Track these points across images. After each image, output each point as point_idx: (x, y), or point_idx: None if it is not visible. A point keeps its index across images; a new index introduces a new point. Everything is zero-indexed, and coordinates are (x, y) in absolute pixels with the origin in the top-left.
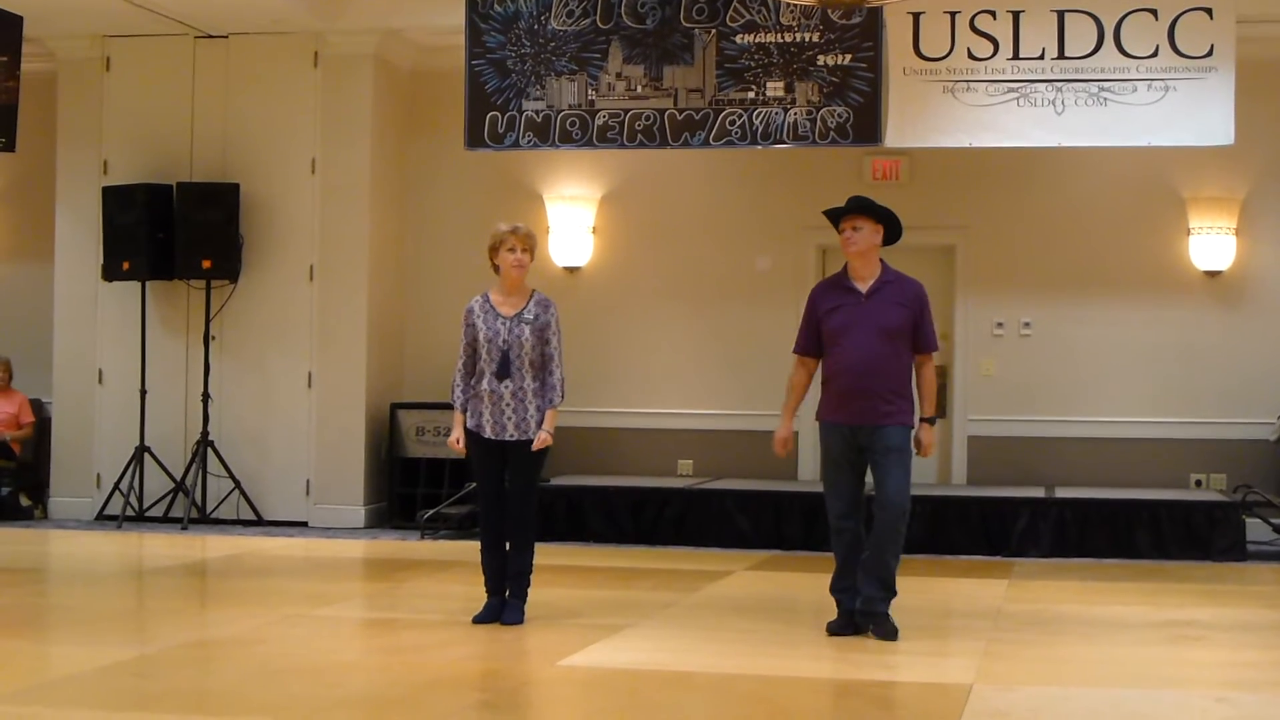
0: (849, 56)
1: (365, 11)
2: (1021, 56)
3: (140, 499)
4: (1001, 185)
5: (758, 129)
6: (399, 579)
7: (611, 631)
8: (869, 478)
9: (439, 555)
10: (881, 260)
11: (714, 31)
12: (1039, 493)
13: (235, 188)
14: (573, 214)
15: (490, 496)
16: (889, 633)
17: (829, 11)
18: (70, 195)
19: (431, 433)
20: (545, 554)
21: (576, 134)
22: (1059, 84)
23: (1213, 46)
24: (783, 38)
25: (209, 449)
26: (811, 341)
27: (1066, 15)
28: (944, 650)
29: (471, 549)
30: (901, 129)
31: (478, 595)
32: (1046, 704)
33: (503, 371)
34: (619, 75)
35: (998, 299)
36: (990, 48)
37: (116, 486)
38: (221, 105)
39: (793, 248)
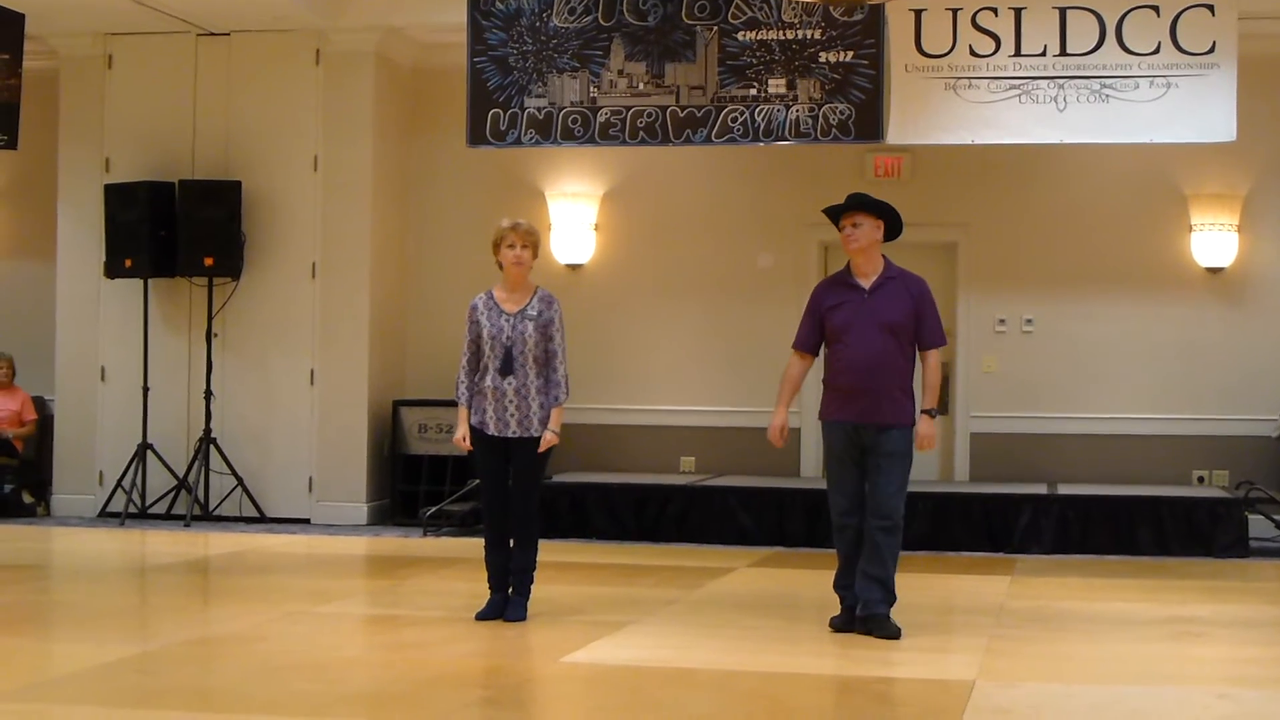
0: (851, 54)
1: (367, 9)
2: (1023, 53)
3: (143, 496)
4: (1003, 182)
5: (760, 126)
6: (401, 576)
7: (614, 628)
8: None
9: (441, 552)
10: (884, 256)
11: (716, 29)
12: (1041, 489)
13: (237, 185)
14: (575, 211)
15: (493, 493)
16: (891, 633)
17: (831, 9)
18: (72, 193)
19: (434, 430)
20: (548, 551)
21: (578, 131)
22: (1061, 81)
23: (1214, 43)
24: (785, 35)
25: (211, 446)
26: (811, 337)
27: (1068, 12)
28: (946, 647)
29: (474, 546)
30: (903, 126)
31: (480, 592)
32: (1049, 700)
33: (506, 368)
34: (621, 72)
35: (1000, 296)
36: (992, 45)
37: (119, 484)
38: (223, 103)
39: (794, 245)
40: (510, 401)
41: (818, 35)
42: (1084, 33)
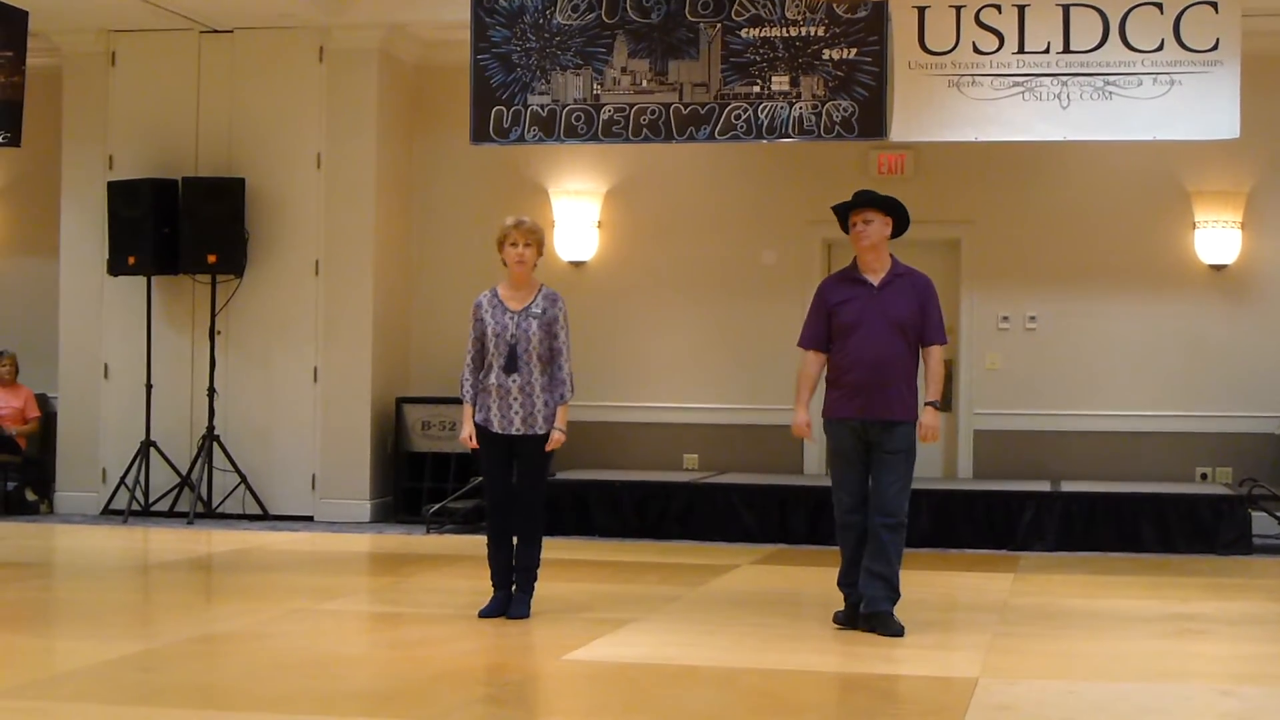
0: (854, 51)
1: (370, 6)
2: (1027, 50)
3: (146, 493)
4: (1007, 179)
5: (763, 123)
6: (405, 573)
7: (617, 626)
8: None
9: (445, 550)
10: (891, 254)
11: (719, 26)
12: (1044, 486)
13: (241, 182)
14: (578, 208)
15: (497, 490)
16: (894, 631)
17: (834, 6)
18: (75, 190)
19: (437, 427)
20: (551, 548)
21: (582, 128)
22: (1064, 78)
23: (1218, 40)
24: (788, 32)
25: (214, 443)
26: (821, 335)
27: (1072, 9)
28: (949, 644)
29: (477, 543)
30: (907, 123)
31: (484, 589)
32: (1052, 697)
33: (510, 366)
34: (624, 70)
35: (1003, 293)
36: (995, 42)
37: (122, 481)
38: (227, 100)
39: (798, 242)
40: (515, 399)
41: (821, 32)
42: (1087, 30)
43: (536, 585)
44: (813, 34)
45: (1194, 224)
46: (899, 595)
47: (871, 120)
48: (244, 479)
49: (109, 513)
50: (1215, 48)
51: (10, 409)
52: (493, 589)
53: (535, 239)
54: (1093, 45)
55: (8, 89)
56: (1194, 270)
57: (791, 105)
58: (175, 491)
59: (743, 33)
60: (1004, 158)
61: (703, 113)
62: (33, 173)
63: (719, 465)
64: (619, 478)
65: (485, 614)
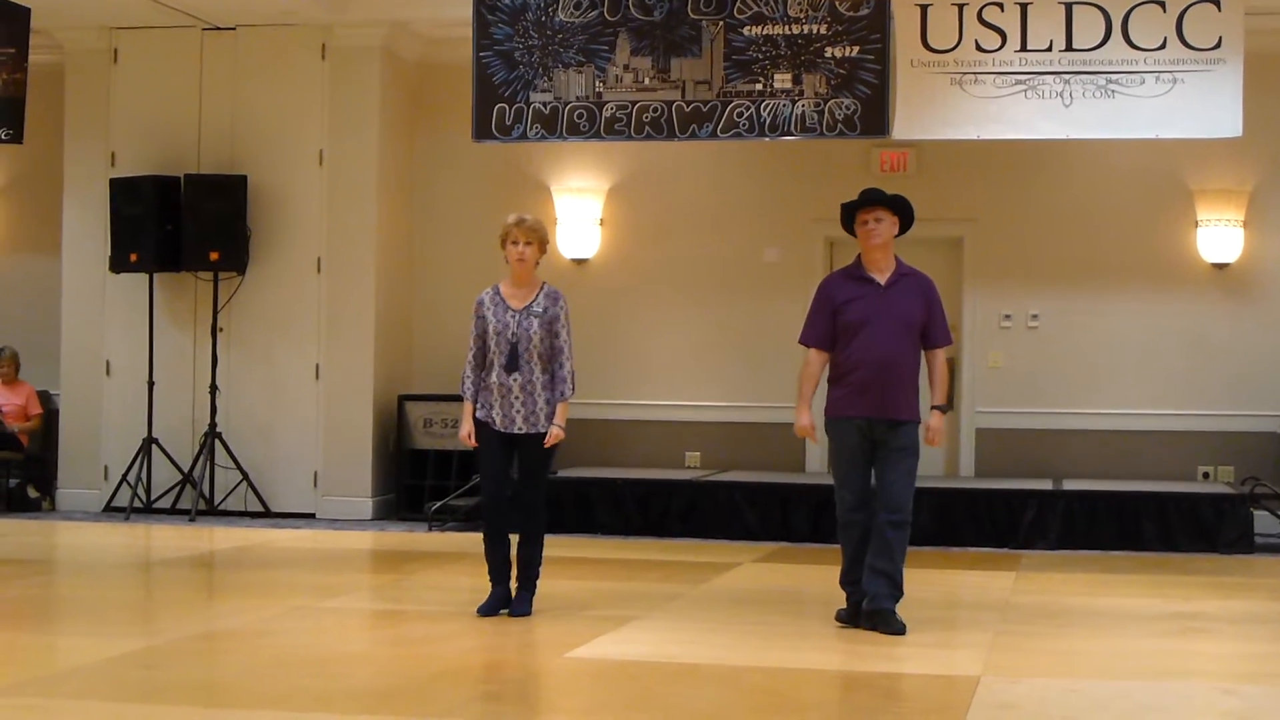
0: (856, 48)
1: (373, 4)
2: (1029, 49)
3: (148, 491)
4: (1009, 177)
5: (765, 121)
6: (406, 571)
7: (618, 623)
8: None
9: (446, 547)
10: (895, 253)
11: (721, 23)
12: (1046, 485)
13: (243, 180)
14: (580, 206)
15: (495, 487)
16: (896, 629)
17: (836, 4)
18: (78, 187)
19: (439, 424)
20: (552, 546)
21: (584, 126)
22: (1067, 76)
23: (1221, 38)
24: (790, 30)
25: (216, 441)
26: (825, 333)
27: (1074, 7)
28: (951, 642)
29: (479, 541)
30: (909, 121)
31: (485, 587)
32: (1054, 696)
33: (511, 364)
34: (626, 67)
35: (1005, 291)
36: (998, 40)
37: (124, 478)
38: (229, 97)
39: (801, 240)
40: (516, 398)
41: (823, 30)
42: (1090, 28)
43: (539, 583)
44: (815, 32)
45: (1196, 222)
46: (902, 593)
47: (874, 118)
48: (246, 476)
49: (111, 510)
50: (1218, 46)
51: (12, 406)
52: (491, 585)
53: (537, 237)
54: (1095, 43)
55: (10, 86)
56: (1196, 269)
57: (794, 103)
58: (177, 489)
59: (745, 30)
60: (1006, 156)
61: (705, 110)
62: (35, 170)
63: (721, 463)
64: (621, 475)
65: (484, 611)
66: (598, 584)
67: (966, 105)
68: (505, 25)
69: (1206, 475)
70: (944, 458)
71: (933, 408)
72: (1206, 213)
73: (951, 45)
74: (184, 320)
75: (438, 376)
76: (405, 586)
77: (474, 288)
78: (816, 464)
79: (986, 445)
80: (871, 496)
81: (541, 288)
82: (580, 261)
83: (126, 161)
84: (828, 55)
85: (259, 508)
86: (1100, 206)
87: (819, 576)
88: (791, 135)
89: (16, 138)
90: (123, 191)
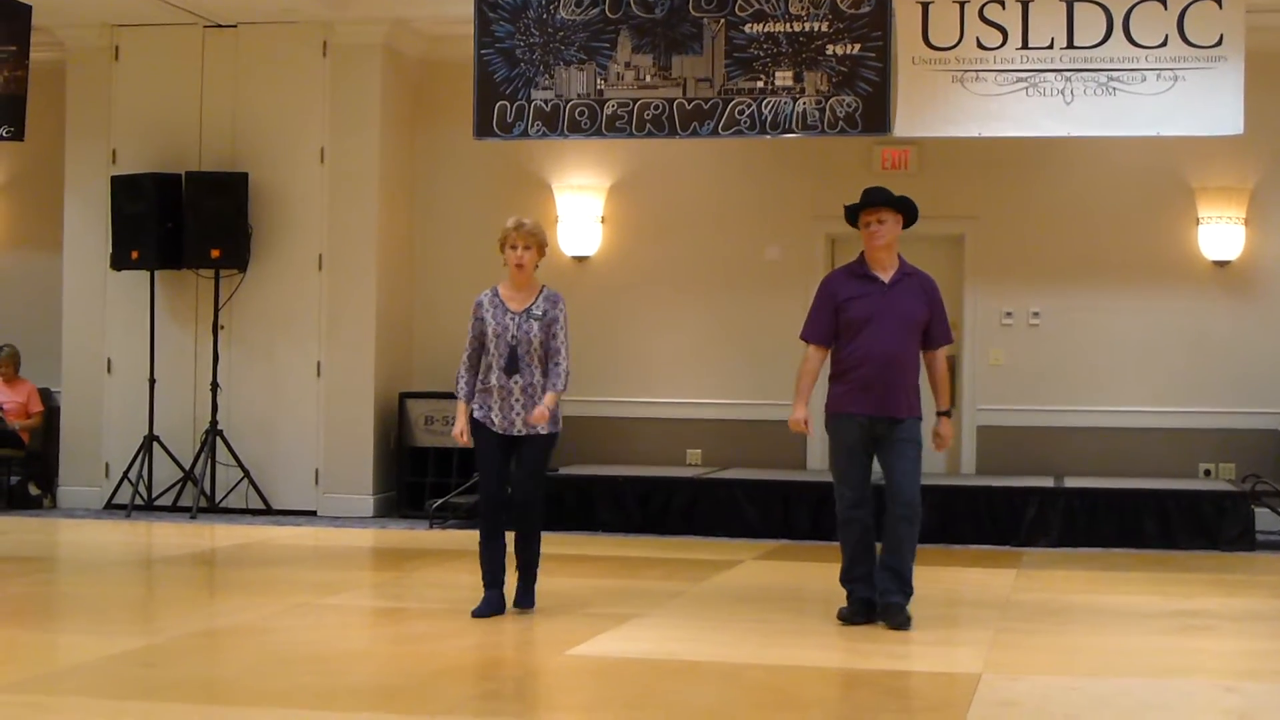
0: (858, 46)
1: (374, 1)
2: (1030, 46)
3: (149, 488)
4: (1010, 175)
5: (766, 118)
6: (407, 568)
7: (619, 621)
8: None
9: (447, 544)
10: (899, 252)
11: (723, 21)
12: (1048, 482)
13: (244, 177)
14: (581, 203)
15: (492, 488)
16: (898, 623)
17: (838, 1)
18: (79, 184)
19: (440, 422)
20: (553, 543)
21: (585, 123)
22: (1068, 74)
23: (1222, 36)
24: (791, 27)
25: (218, 438)
26: (826, 330)
27: (1075, 5)
28: (953, 640)
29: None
30: (910, 119)
31: None
32: (1055, 693)
33: (511, 367)
34: (628, 65)
35: (1006, 288)
36: (999, 37)
37: (125, 476)
38: (230, 95)
39: (802, 237)
40: (517, 400)
41: (825, 28)
42: (1091, 25)
43: (540, 579)
44: (816, 29)
45: (1198, 220)
46: (911, 590)
47: (875, 116)
48: (247, 474)
49: (112, 507)
50: (1219, 43)
51: (13, 404)
52: (484, 588)
53: (535, 241)
54: (1096, 41)
55: (11, 83)
56: (1197, 266)
57: (795, 100)
58: (178, 486)
59: (746, 28)
60: (1008, 153)
61: (706, 108)
62: (36, 167)
63: (722, 460)
64: (622, 473)
65: (479, 614)
66: (598, 581)
67: (968, 103)
68: (506, 23)
69: (1208, 472)
70: (945, 455)
71: (939, 414)
72: (1208, 210)
73: (953, 43)
74: (185, 318)
75: (439, 374)
76: (406, 584)
77: (475, 285)
78: (817, 461)
79: (988, 443)
80: (871, 494)
81: (541, 290)
82: (581, 259)
83: (128, 159)
84: (829, 53)
85: (260, 505)
86: (1101, 204)
87: (820, 574)
88: (793, 133)
89: (18, 135)
90: (124, 189)
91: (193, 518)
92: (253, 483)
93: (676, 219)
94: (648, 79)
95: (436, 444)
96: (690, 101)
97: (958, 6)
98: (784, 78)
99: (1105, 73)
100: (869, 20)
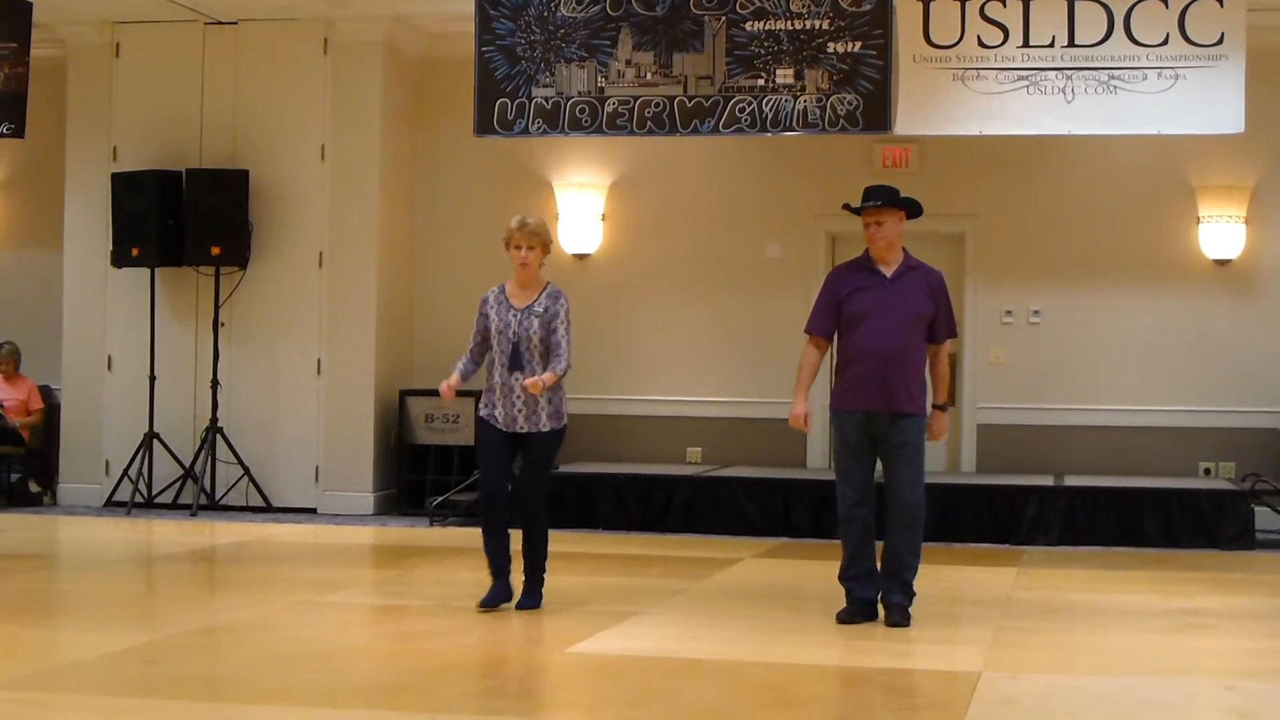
0: (859, 44)
1: None
2: (1031, 44)
3: (149, 485)
4: (1011, 173)
5: (767, 116)
6: (408, 565)
7: (620, 618)
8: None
9: (448, 542)
10: (903, 246)
11: (724, 19)
12: (1048, 481)
13: (245, 174)
14: (582, 201)
15: (493, 483)
16: (901, 620)
17: None
18: (79, 181)
19: (441, 419)
20: (554, 541)
21: (586, 121)
22: (1069, 72)
23: (1223, 34)
24: (792, 25)
25: (218, 435)
26: (828, 323)
27: (1076, 3)
28: (953, 638)
29: (479, 536)
30: (911, 117)
31: (486, 581)
32: (1055, 692)
33: (514, 363)
34: (629, 62)
35: (1007, 287)
36: (1000, 35)
37: (125, 473)
38: (231, 92)
39: (802, 235)
40: (519, 397)
41: (825, 25)
42: (1092, 24)
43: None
44: (817, 27)
45: (1198, 218)
46: (913, 593)
47: (876, 114)
48: (247, 471)
49: (112, 505)
50: (1220, 42)
51: (14, 401)
52: (491, 579)
53: (539, 241)
54: (1097, 39)
55: (12, 80)
56: (1198, 265)
57: (796, 98)
58: (178, 484)
59: (747, 26)
60: (1008, 152)
61: (707, 106)
62: (37, 164)
63: (723, 458)
64: (623, 471)
65: (485, 604)
66: (599, 579)
67: (968, 101)
68: (507, 20)
69: (1208, 471)
70: (946, 454)
71: (935, 407)
72: (1208, 209)
73: (954, 41)
74: (185, 315)
75: (439, 371)
76: (406, 581)
77: (475, 282)
78: (818, 459)
79: (988, 441)
80: (873, 492)
81: (545, 288)
82: (582, 257)
83: (128, 156)
84: (830, 51)
85: (260, 503)
86: (1102, 202)
87: (820, 572)
88: (793, 131)
89: (18, 132)
90: (124, 186)
91: (193, 515)
92: (253, 480)
93: (677, 217)
94: (649, 77)
95: (437, 441)
96: (691, 99)
97: (958, 5)
98: (785, 76)
99: (1106, 71)
100: (870, 18)
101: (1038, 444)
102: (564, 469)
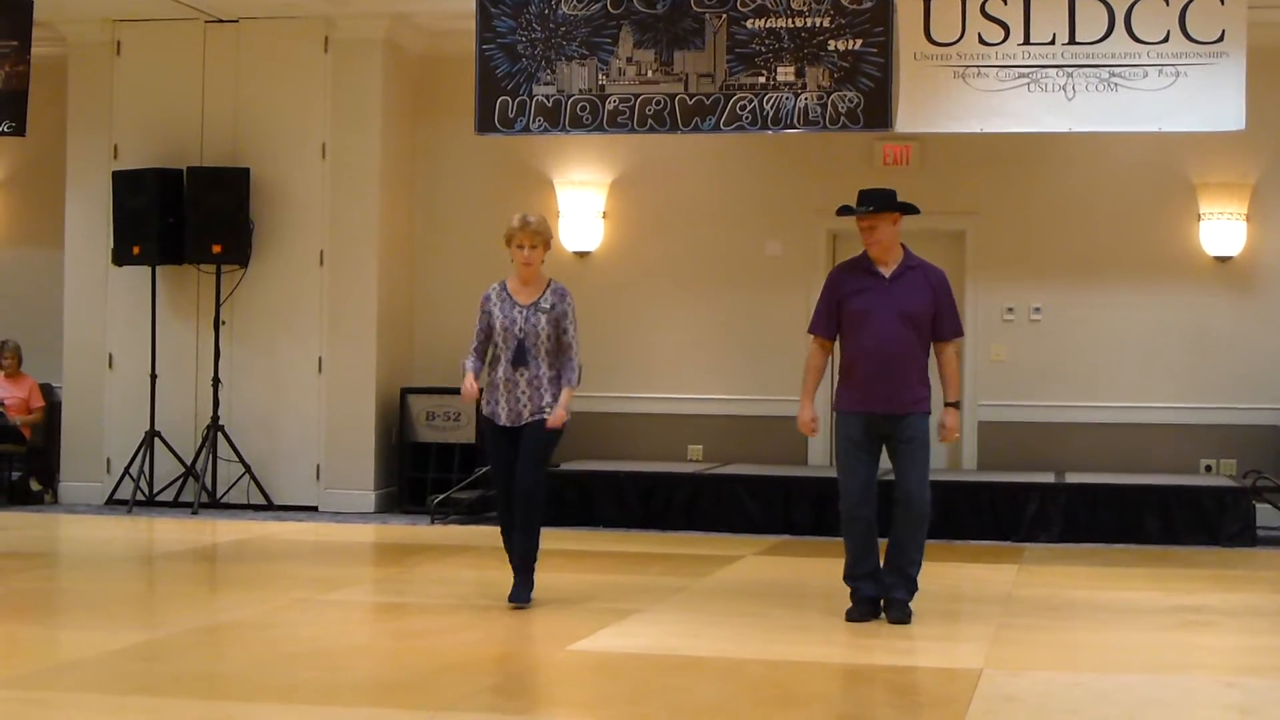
0: (859, 41)
1: None
2: (1032, 42)
3: (150, 484)
4: (1012, 171)
5: (768, 114)
6: (409, 564)
7: (621, 616)
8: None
9: (449, 540)
10: (904, 245)
11: (725, 16)
12: (1049, 478)
13: (245, 172)
14: (583, 199)
15: (504, 482)
16: (902, 616)
17: None
18: (80, 180)
19: (442, 417)
20: (555, 539)
21: (587, 119)
22: (1070, 69)
23: (1224, 32)
24: (793, 23)
25: (219, 434)
26: (830, 323)
27: (1077, 1)
28: (954, 635)
29: (482, 534)
30: (912, 114)
31: (488, 579)
32: (1056, 689)
33: (519, 360)
34: (629, 60)
35: (1008, 284)
36: (1001, 33)
37: (126, 471)
38: (232, 90)
39: (803, 233)
40: (523, 393)
41: (826, 23)
42: (1093, 21)
43: (538, 575)
44: (818, 25)
45: (1199, 216)
46: (916, 588)
47: (877, 111)
48: (248, 469)
49: (113, 503)
50: (1221, 39)
51: (15, 399)
52: (514, 575)
53: (542, 239)
54: (1098, 37)
55: (13, 79)
56: (1199, 262)
57: (797, 96)
58: (179, 482)
59: (748, 23)
60: (1009, 149)
61: (708, 103)
62: (38, 162)
63: (724, 456)
64: (624, 468)
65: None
66: (600, 577)
67: (969, 98)
68: (508, 18)
69: (1209, 468)
70: (947, 451)
71: (947, 405)
72: (1209, 206)
73: (954, 38)
74: (186, 313)
75: (440, 369)
76: (407, 579)
77: (476, 279)
78: (819, 457)
79: (989, 438)
80: (875, 491)
81: (549, 285)
82: (583, 255)
83: (129, 154)
84: (831, 48)
85: (261, 501)
86: (1103, 200)
87: (821, 570)
88: (794, 128)
89: (19, 130)
90: (125, 184)
91: (194, 513)
92: (254, 478)
93: (678, 214)
94: (649, 74)
95: (438, 439)
96: (692, 97)
97: (959, 2)
98: (786, 73)
99: (1107, 68)
100: (871, 16)
101: (1039, 441)
102: (565, 467)
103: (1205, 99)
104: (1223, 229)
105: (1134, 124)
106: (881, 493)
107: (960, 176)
